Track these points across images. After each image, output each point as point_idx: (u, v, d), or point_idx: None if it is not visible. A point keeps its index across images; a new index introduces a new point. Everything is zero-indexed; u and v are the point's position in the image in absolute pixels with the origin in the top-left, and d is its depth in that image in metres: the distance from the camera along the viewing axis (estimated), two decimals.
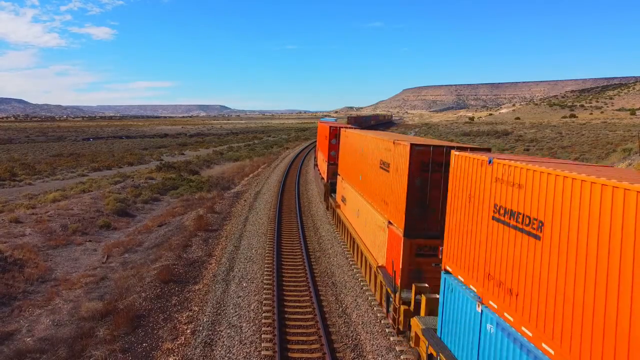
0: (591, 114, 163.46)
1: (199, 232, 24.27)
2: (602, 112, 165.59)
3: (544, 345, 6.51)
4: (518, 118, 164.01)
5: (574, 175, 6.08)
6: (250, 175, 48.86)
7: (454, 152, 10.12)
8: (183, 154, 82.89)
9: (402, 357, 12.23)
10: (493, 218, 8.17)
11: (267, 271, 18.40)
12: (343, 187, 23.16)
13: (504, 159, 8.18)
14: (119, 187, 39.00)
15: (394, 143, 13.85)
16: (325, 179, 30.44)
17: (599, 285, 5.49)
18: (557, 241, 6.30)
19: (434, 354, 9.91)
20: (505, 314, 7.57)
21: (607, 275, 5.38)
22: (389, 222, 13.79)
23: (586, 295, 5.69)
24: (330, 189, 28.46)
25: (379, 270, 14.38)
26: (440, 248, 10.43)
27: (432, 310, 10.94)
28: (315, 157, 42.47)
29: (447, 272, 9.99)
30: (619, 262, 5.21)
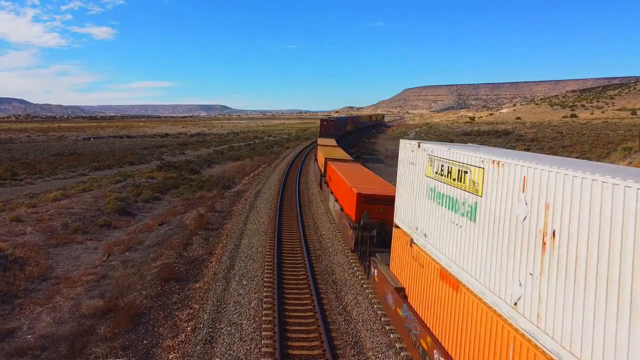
0: (592, 113, 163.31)
1: (199, 230, 24.30)
2: (603, 112, 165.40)
3: None
4: (519, 118, 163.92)
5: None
6: (251, 175, 48.90)
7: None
8: (184, 153, 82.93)
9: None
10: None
11: (268, 269, 18.42)
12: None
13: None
14: (120, 186, 39.04)
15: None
16: None
17: None
18: None
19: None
20: None
21: None
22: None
23: None
24: None
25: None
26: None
27: None
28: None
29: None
30: None
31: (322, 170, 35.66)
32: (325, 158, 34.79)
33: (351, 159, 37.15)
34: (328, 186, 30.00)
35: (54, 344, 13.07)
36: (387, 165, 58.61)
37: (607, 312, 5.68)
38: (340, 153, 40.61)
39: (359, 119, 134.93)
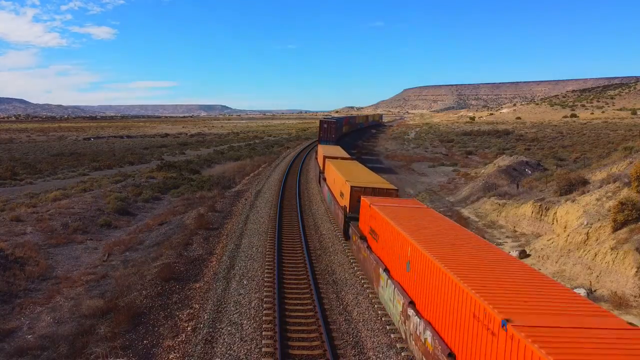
0: (592, 113, 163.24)
1: (199, 230, 24.28)
2: (603, 112, 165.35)
3: None
4: (519, 118, 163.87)
5: None
6: (251, 175, 48.88)
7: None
8: (184, 153, 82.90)
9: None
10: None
11: (268, 269, 18.40)
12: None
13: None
14: (120, 186, 39.02)
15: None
16: None
17: None
18: None
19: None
20: None
21: None
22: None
23: None
24: None
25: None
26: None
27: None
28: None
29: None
30: None
31: (349, 209, 21.69)
32: (357, 193, 20.95)
33: (394, 188, 22.34)
34: (389, 274, 14.41)
35: (54, 343, 13.05)
36: (397, 174, 58.59)
37: None
38: (374, 178, 25.62)
39: (355, 120, 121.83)
